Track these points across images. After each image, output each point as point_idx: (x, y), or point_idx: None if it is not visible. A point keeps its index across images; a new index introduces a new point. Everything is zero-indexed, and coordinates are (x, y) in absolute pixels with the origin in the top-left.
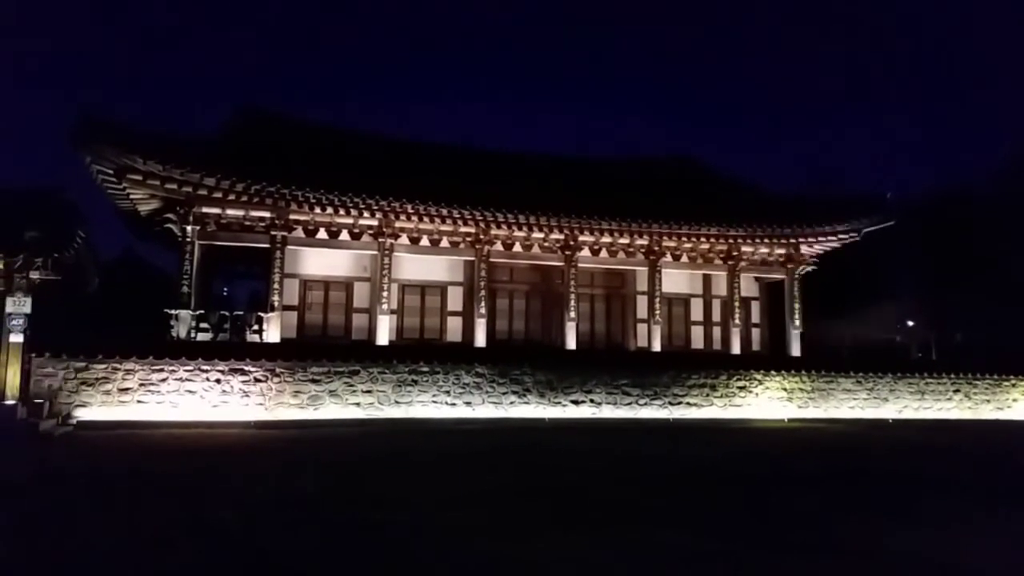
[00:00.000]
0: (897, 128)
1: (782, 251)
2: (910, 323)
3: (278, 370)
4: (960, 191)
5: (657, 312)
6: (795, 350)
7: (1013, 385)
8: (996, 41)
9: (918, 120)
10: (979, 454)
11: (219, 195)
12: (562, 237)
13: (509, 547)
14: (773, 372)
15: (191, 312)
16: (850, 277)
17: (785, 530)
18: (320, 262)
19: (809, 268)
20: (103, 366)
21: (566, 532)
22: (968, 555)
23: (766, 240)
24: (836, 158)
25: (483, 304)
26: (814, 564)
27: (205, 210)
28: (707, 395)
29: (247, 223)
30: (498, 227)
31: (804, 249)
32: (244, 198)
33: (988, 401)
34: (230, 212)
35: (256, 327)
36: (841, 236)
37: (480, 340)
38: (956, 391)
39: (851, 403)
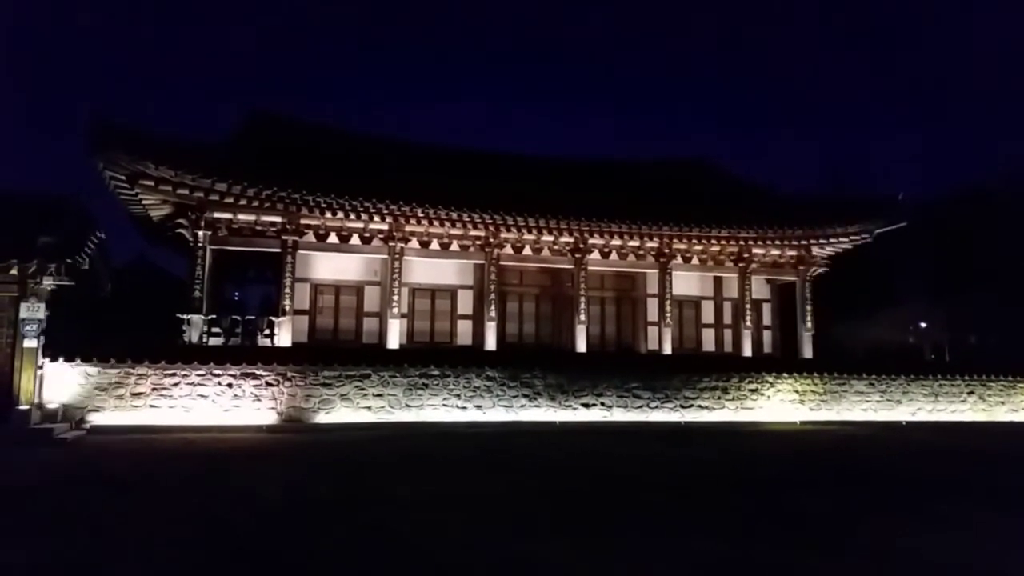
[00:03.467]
0: (913, 129)
1: (793, 253)
2: (923, 325)
3: (289, 374)
4: (975, 192)
5: (668, 315)
6: (807, 352)
7: None
8: (1017, 43)
9: (934, 122)
10: (994, 456)
11: (230, 200)
12: (572, 240)
13: (521, 551)
14: (785, 374)
15: (203, 317)
16: (863, 279)
17: (805, 533)
18: (331, 266)
19: (821, 270)
20: (116, 371)
21: (581, 536)
22: (986, 558)
23: (777, 242)
24: (851, 159)
25: (493, 307)
26: (837, 566)
27: (217, 215)
28: (719, 398)
29: (258, 228)
30: (508, 230)
31: (816, 251)
32: (255, 203)
33: (1003, 403)
34: (241, 217)
35: (267, 331)
36: (853, 238)
37: (490, 343)
38: (970, 393)
39: (864, 405)
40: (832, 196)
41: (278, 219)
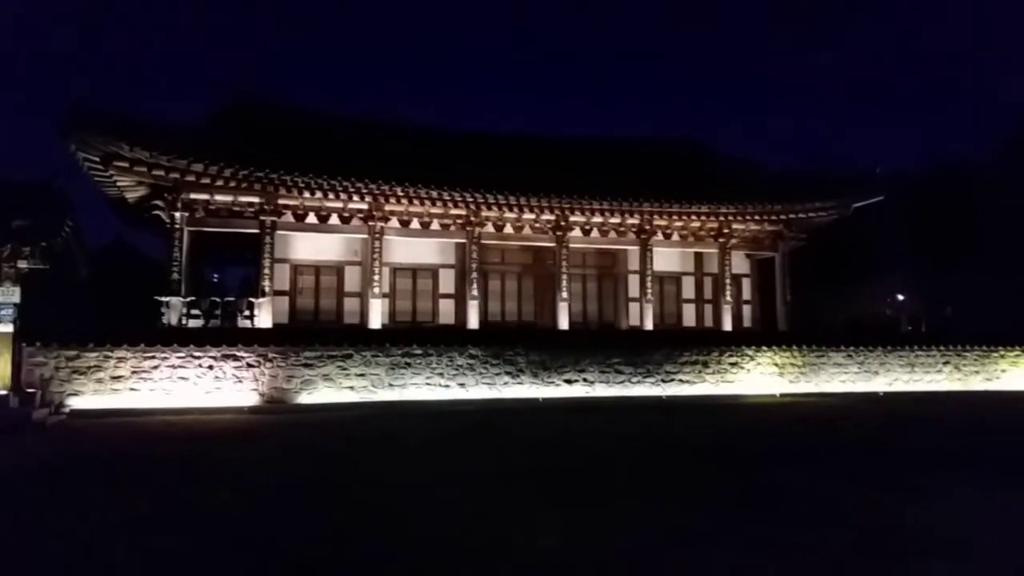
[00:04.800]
0: (895, 104)
1: (773, 228)
2: (900, 297)
3: (270, 355)
4: (952, 168)
5: (649, 291)
6: (786, 325)
7: (1002, 356)
8: (1000, 21)
9: (916, 97)
10: (968, 425)
11: (207, 181)
12: (553, 218)
13: (507, 526)
14: (764, 348)
15: (182, 299)
16: (841, 253)
17: (785, 505)
18: (310, 247)
19: (799, 244)
20: (95, 354)
21: (567, 511)
22: (959, 526)
23: (756, 217)
24: (833, 134)
25: (475, 286)
26: (819, 538)
27: (193, 196)
28: (699, 372)
29: (236, 208)
30: (488, 209)
31: (795, 225)
32: (232, 184)
33: (977, 372)
34: (219, 198)
35: (247, 313)
36: (831, 212)
37: (473, 322)
38: (946, 363)
39: (842, 377)
40: (812, 171)
41: (256, 199)
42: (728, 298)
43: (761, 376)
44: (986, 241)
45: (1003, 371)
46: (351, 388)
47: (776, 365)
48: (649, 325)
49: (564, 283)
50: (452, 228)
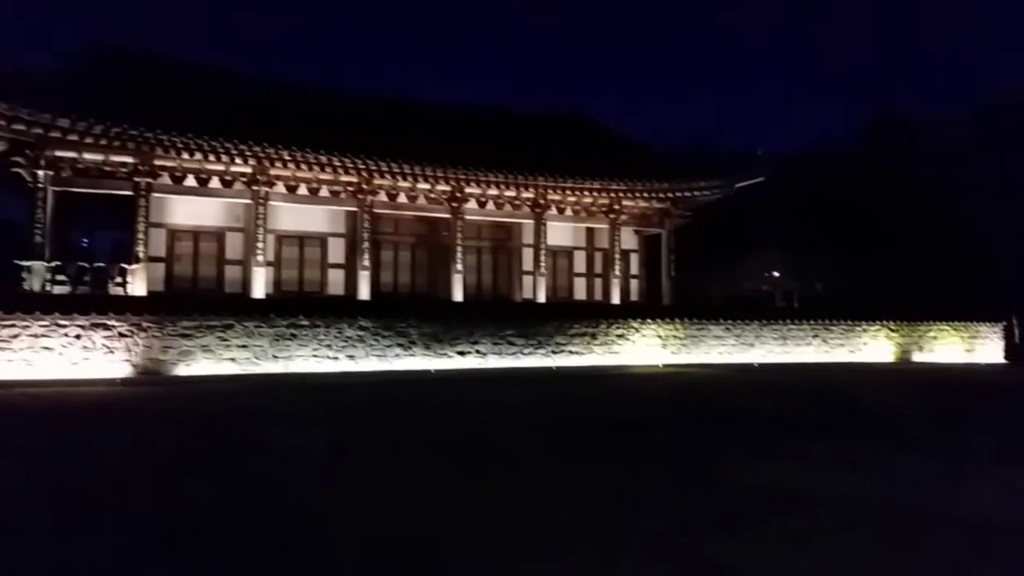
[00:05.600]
0: (773, 92)
1: (660, 205)
2: (775, 274)
3: (145, 324)
4: (826, 149)
5: (542, 264)
6: (670, 300)
7: (864, 330)
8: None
9: (794, 83)
10: (830, 394)
11: (74, 138)
12: (448, 189)
13: (400, 497)
14: (649, 320)
15: (45, 264)
16: (723, 231)
17: (667, 468)
18: (189, 211)
19: (685, 221)
20: None
21: (460, 480)
22: (816, 485)
23: (645, 194)
24: (716, 120)
25: (366, 256)
26: (700, 498)
27: (59, 154)
28: (588, 343)
29: (107, 168)
30: (381, 177)
31: (681, 203)
32: (103, 141)
33: (842, 345)
34: (88, 156)
35: (120, 279)
36: (715, 191)
37: (364, 293)
38: (815, 336)
39: (720, 349)
40: (697, 152)
41: (129, 159)
42: (617, 273)
43: (646, 348)
44: (853, 220)
45: (865, 344)
46: (232, 360)
47: (660, 337)
48: (542, 298)
49: (459, 255)
50: (343, 196)
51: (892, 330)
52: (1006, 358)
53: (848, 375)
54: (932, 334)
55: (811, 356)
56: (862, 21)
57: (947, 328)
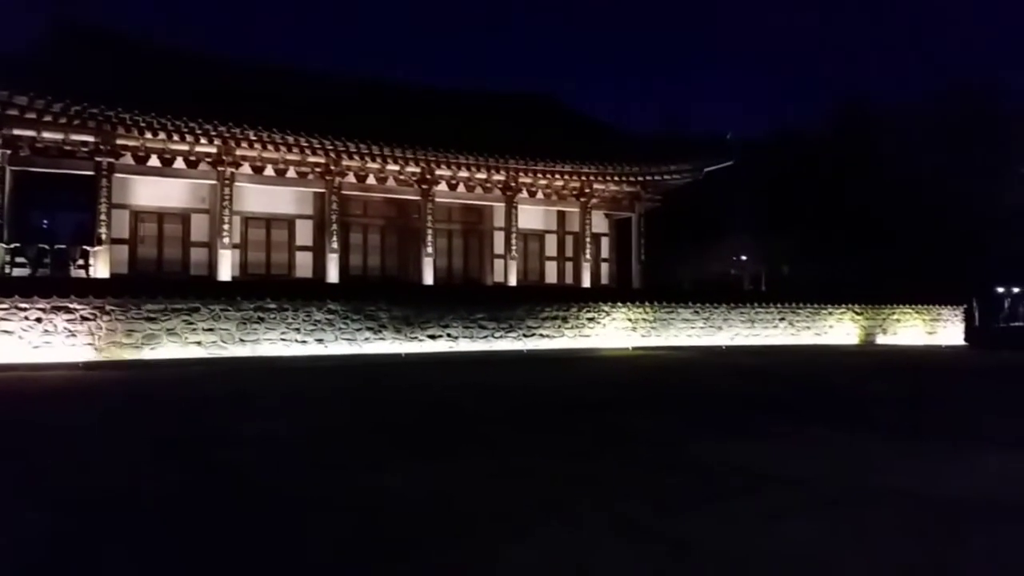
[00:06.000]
0: (743, 78)
1: (630, 189)
2: (743, 257)
3: (108, 307)
4: (793, 135)
5: (513, 247)
6: (640, 283)
7: (829, 313)
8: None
9: (763, 72)
10: (797, 375)
11: (33, 116)
12: (418, 170)
13: (364, 478)
14: (619, 304)
15: (4, 245)
16: (693, 215)
17: (637, 449)
18: (153, 192)
19: (655, 205)
20: None
21: (425, 461)
22: (786, 465)
23: (616, 178)
24: (686, 104)
25: (335, 238)
26: (670, 479)
27: (17, 132)
28: (559, 327)
29: (68, 148)
30: (350, 158)
31: (651, 187)
32: (63, 120)
33: (808, 327)
34: (47, 135)
35: (82, 262)
36: (685, 175)
37: (333, 276)
38: (782, 319)
39: (689, 331)
40: (667, 136)
41: (91, 138)
42: (588, 256)
43: (616, 331)
44: (821, 205)
45: (830, 327)
46: (198, 343)
47: (630, 320)
48: (513, 281)
49: (429, 238)
50: (311, 177)
51: (857, 313)
52: (966, 340)
53: (814, 357)
54: (895, 317)
55: (778, 339)
56: (833, 8)
57: (910, 311)
